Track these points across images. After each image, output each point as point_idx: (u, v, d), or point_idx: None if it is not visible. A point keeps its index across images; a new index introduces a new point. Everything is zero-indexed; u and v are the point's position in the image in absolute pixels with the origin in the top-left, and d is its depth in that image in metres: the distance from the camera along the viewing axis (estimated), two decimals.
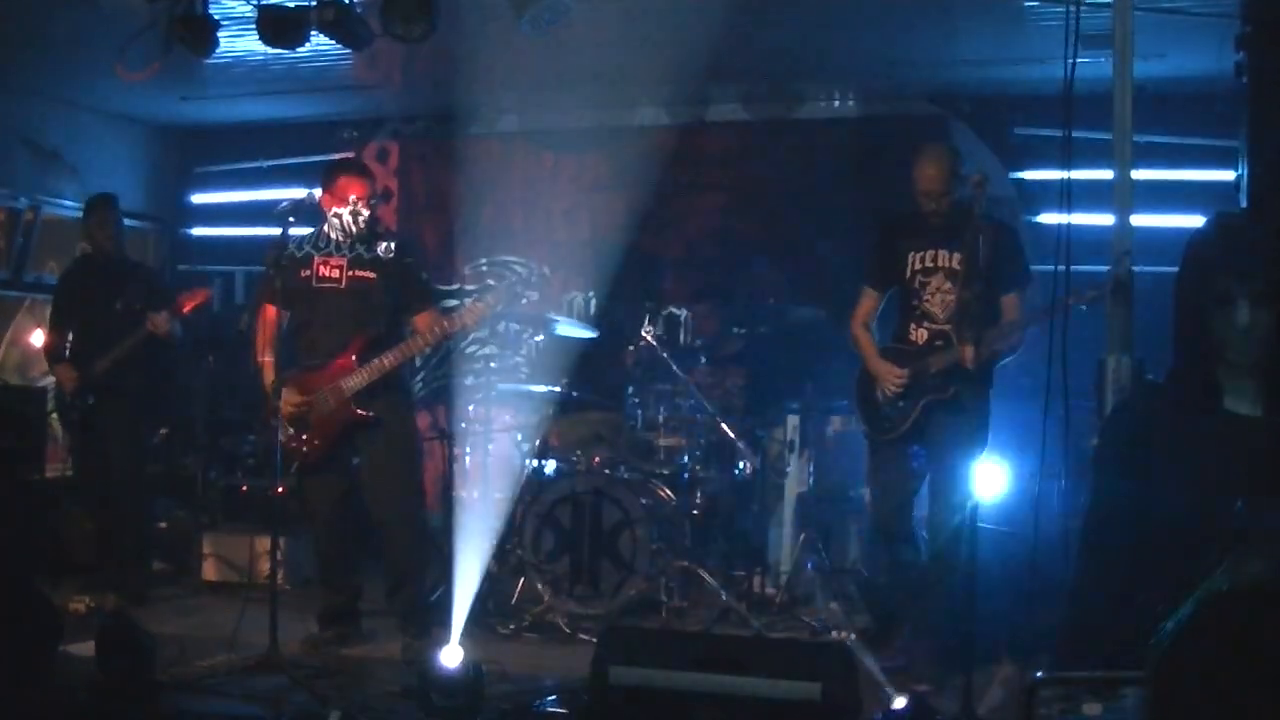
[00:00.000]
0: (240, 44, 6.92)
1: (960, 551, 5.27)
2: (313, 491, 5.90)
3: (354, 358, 5.67)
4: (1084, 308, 4.86)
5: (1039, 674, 3.06)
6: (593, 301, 8.79)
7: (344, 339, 5.71)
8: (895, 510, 5.50)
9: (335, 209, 5.76)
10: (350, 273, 5.76)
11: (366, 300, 5.74)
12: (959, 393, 5.24)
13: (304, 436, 5.73)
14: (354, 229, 5.76)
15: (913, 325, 5.44)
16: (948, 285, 5.31)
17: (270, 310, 5.84)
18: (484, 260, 9.18)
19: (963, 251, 5.21)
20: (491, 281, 8.14)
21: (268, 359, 5.77)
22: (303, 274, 5.79)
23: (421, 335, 5.72)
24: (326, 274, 5.78)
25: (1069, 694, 2.97)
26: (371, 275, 5.76)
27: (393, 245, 5.87)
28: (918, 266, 5.41)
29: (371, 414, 5.69)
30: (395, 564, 5.88)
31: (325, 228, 5.85)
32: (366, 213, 5.77)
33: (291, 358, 5.86)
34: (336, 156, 9.16)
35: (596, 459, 6.64)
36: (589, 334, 7.63)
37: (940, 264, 5.36)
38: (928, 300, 5.38)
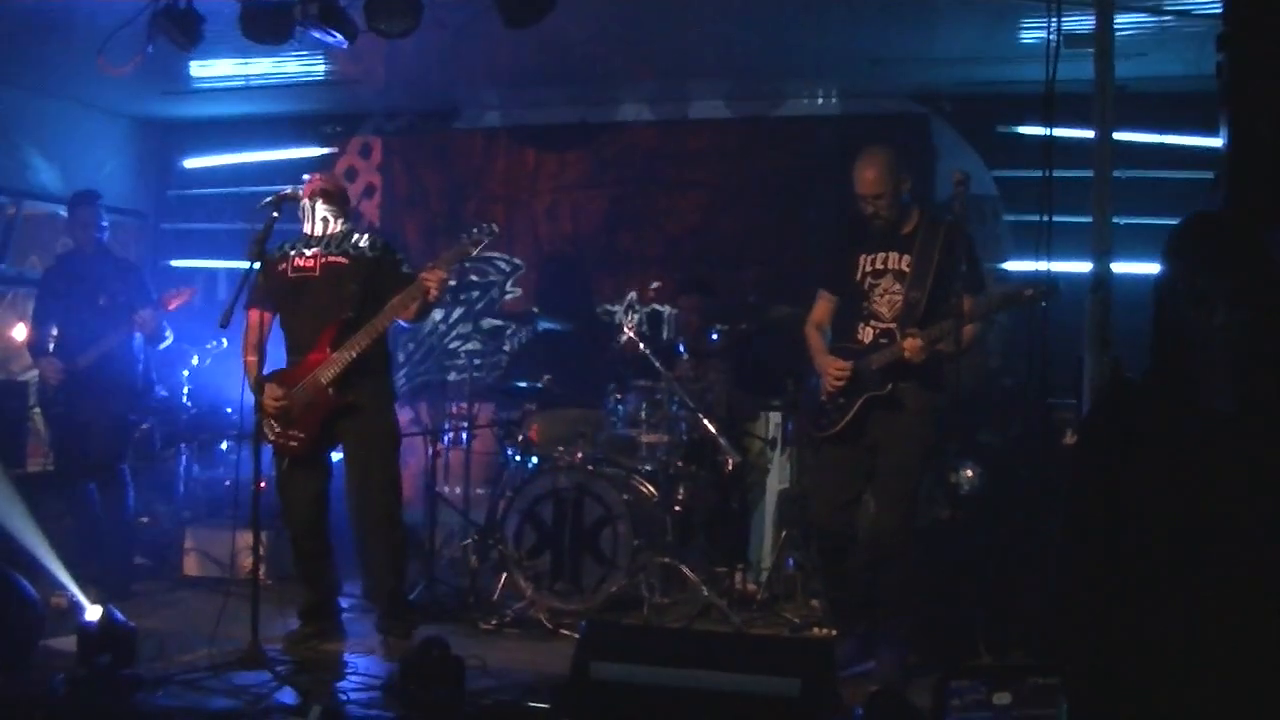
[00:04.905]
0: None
1: (906, 549, 5.27)
2: (292, 488, 5.87)
3: (328, 347, 5.69)
4: (1043, 304, 4.92)
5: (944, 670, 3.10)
6: (575, 298, 8.79)
7: (318, 330, 5.73)
8: (835, 510, 5.43)
9: (305, 205, 5.87)
10: (324, 258, 5.81)
11: (340, 287, 5.74)
12: (898, 390, 5.22)
13: (290, 431, 5.74)
14: (326, 222, 5.85)
15: (860, 325, 5.39)
16: (896, 287, 5.28)
17: (255, 315, 5.88)
18: None
19: (912, 253, 5.25)
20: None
21: (251, 358, 5.78)
22: (279, 268, 5.85)
23: (385, 313, 5.67)
24: (301, 264, 5.83)
25: (978, 685, 3.01)
26: (344, 260, 5.80)
27: (373, 240, 5.91)
28: (868, 269, 5.38)
29: (350, 399, 5.70)
30: (374, 560, 5.85)
31: (304, 227, 5.93)
32: (328, 203, 5.85)
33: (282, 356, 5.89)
34: (322, 151, 9.21)
35: (578, 455, 6.65)
36: (571, 330, 7.63)
37: (890, 266, 5.33)
38: (876, 301, 5.34)
